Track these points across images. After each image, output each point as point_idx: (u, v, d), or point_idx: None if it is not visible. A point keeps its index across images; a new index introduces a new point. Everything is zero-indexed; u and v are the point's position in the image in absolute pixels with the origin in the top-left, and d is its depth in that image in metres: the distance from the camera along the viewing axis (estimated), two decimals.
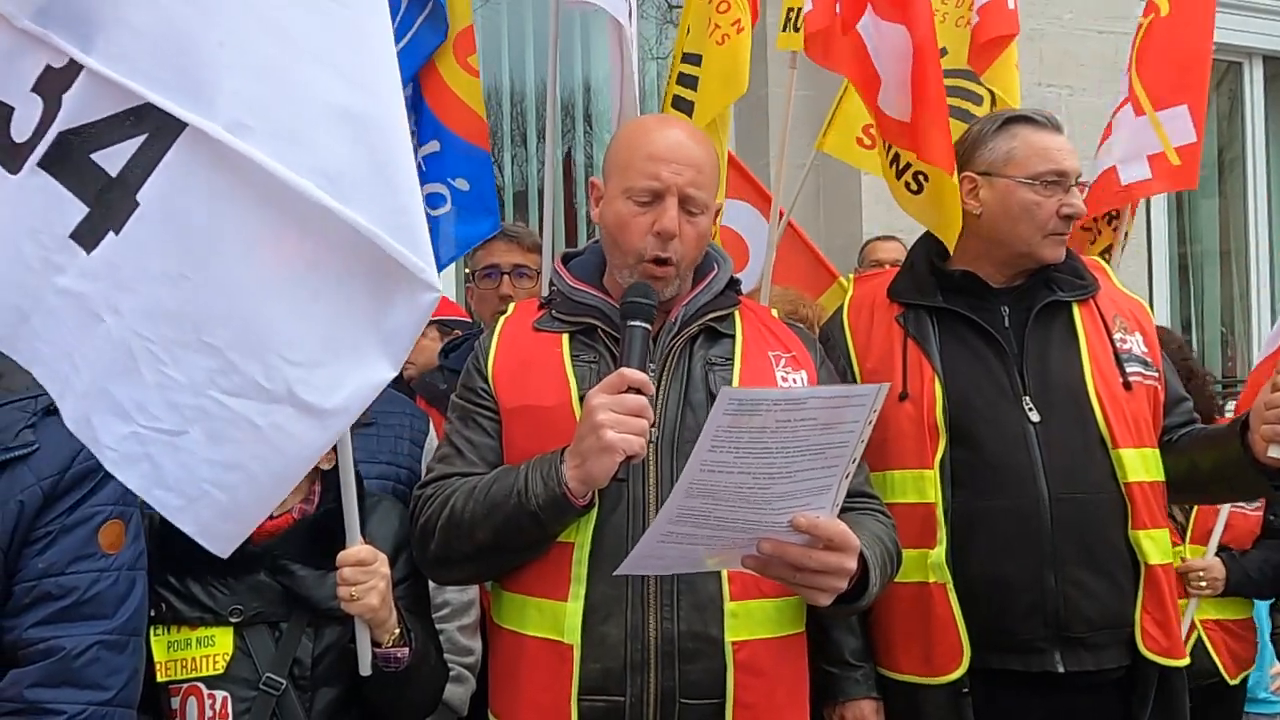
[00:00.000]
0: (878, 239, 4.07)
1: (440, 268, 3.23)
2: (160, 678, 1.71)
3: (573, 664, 1.64)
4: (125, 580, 1.43)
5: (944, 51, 2.93)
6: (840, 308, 2.27)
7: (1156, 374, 2.13)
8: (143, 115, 1.32)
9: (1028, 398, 2.03)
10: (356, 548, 1.71)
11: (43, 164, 1.34)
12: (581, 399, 1.67)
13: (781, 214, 3.54)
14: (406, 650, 1.74)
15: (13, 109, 1.35)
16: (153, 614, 1.72)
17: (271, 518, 1.81)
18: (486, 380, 1.79)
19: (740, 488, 1.41)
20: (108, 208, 1.33)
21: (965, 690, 1.97)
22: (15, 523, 1.34)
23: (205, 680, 1.72)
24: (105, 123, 1.33)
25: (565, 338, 1.78)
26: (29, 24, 1.33)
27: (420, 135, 3.27)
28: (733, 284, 1.88)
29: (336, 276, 1.36)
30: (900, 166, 2.57)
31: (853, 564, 1.54)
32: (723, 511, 1.44)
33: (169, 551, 1.75)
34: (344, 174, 1.33)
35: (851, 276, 2.40)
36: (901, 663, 2.03)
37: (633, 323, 1.67)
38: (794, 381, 1.80)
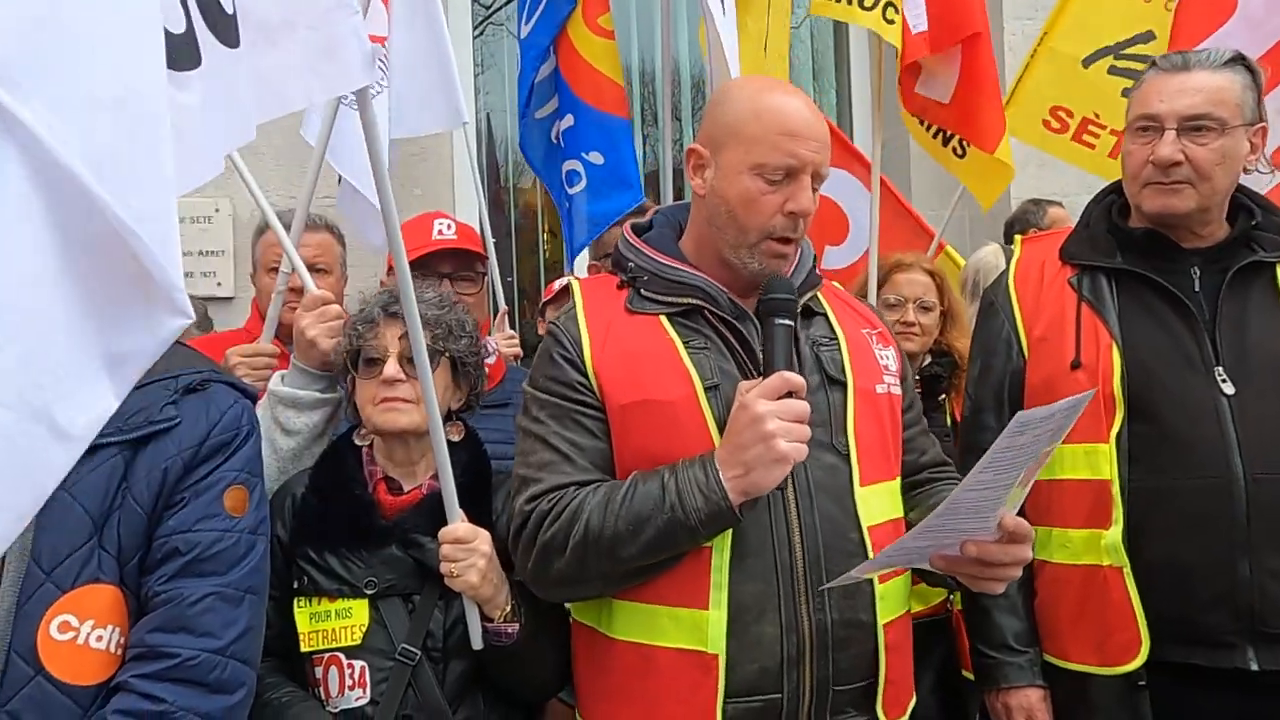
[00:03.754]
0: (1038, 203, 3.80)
1: (577, 249, 3.20)
2: (304, 648, 1.79)
3: (717, 673, 1.56)
4: (245, 542, 1.53)
5: (1152, 35, 2.98)
6: (1005, 271, 2.13)
7: None
8: None
9: (1220, 368, 1.86)
10: (454, 525, 1.75)
11: None
12: (706, 390, 1.59)
13: (883, 181, 3.38)
14: (516, 627, 1.74)
15: None
16: (296, 586, 1.82)
17: (403, 493, 1.87)
18: (585, 373, 1.64)
19: (979, 500, 1.44)
20: None
21: (1142, 683, 1.83)
22: (160, 488, 1.47)
23: (344, 650, 1.78)
24: None
25: (665, 320, 1.67)
26: None
27: (559, 111, 3.19)
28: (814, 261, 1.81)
29: (84, 275, 1.04)
30: (945, 135, 2.92)
31: (1029, 553, 1.55)
32: (953, 523, 1.47)
33: (309, 527, 1.83)
34: (103, 161, 1.04)
35: (1019, 238, 2.24)
36: (1070, 650, 1.91)
37: (780, 320, 1.59)
38: (887, 358, 1.75)
